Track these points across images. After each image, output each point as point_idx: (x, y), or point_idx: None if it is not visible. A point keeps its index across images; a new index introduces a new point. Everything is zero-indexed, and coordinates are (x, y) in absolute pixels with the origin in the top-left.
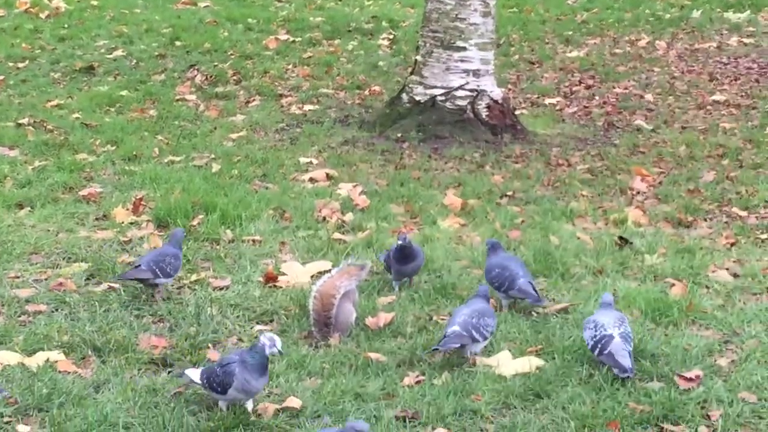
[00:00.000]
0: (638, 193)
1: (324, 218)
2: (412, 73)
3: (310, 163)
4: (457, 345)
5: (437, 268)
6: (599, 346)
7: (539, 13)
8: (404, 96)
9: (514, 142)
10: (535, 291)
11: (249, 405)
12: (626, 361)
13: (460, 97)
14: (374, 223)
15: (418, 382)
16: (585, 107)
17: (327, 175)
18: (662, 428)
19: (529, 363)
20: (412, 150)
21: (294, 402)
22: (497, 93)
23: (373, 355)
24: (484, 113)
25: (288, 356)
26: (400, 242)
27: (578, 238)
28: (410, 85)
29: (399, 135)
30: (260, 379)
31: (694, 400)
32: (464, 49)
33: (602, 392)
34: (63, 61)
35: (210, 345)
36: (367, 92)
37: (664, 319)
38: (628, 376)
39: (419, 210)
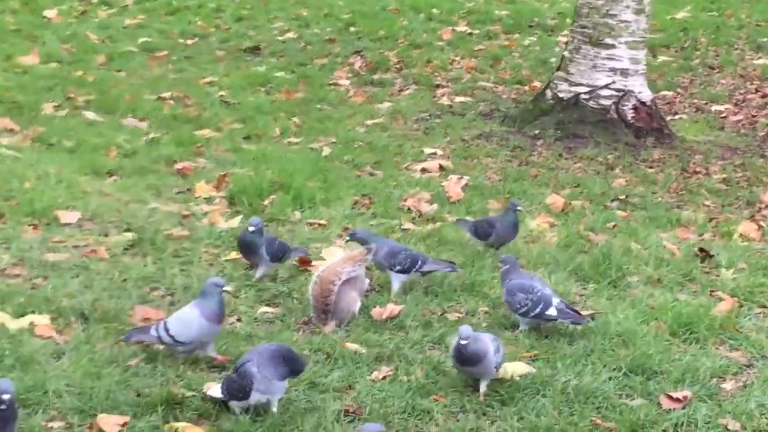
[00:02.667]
0: (766, 206)
1: (408, 208)
2: (558, 69)
3: (434, 153)
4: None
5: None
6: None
7: (739, 18)
8: (548, 92)
9: (656, 147)
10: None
11: (274, 407)
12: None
13: (605, 97)
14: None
15: (384, 377)
16: (752, 116)
17: (440, 166)
18: None
19: (512, 370)
20: (545, 147)
21: None
22: (646, 95)
23: (351, 346)
24: (629, 114)
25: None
26: (461, 342)
27: (664, 247)
28: (555, 82)
29: (536, 132)
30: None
31: (667, 422)
32: (613, 46)
33: (573, 405)
34: (233, 40)
35: None
36: (527, 88)
37: (689, 335)
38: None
39: None
